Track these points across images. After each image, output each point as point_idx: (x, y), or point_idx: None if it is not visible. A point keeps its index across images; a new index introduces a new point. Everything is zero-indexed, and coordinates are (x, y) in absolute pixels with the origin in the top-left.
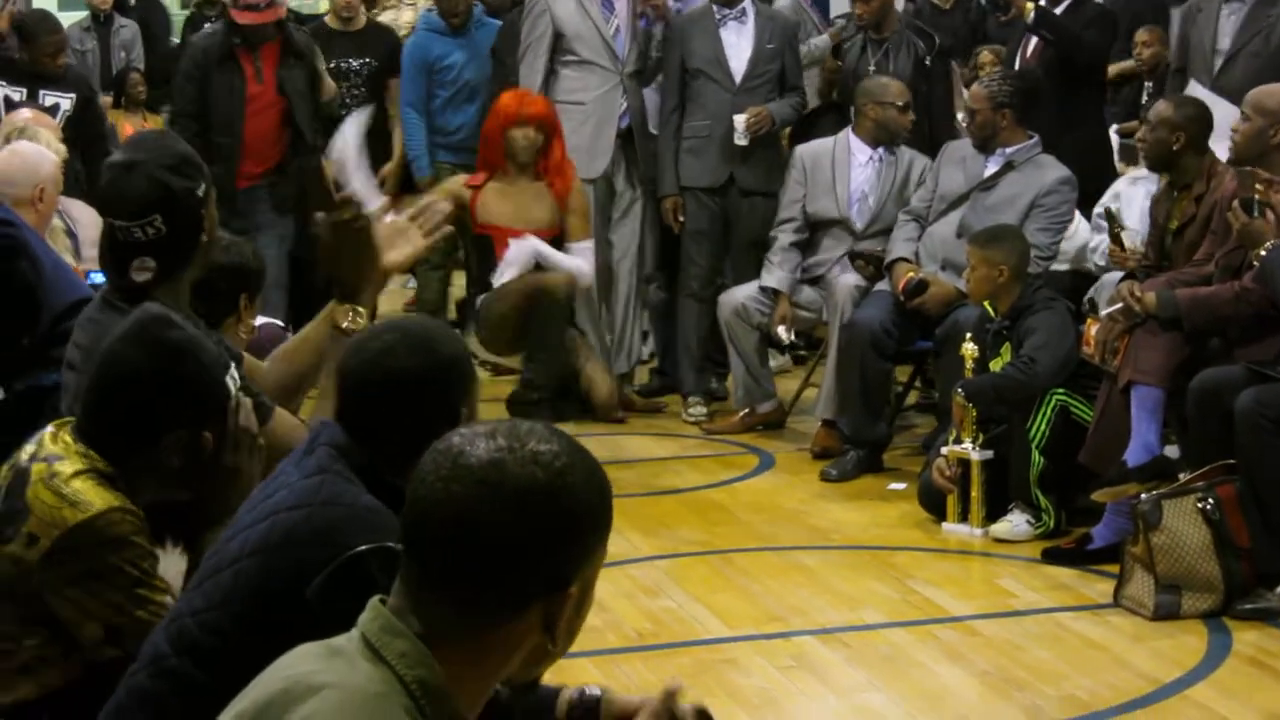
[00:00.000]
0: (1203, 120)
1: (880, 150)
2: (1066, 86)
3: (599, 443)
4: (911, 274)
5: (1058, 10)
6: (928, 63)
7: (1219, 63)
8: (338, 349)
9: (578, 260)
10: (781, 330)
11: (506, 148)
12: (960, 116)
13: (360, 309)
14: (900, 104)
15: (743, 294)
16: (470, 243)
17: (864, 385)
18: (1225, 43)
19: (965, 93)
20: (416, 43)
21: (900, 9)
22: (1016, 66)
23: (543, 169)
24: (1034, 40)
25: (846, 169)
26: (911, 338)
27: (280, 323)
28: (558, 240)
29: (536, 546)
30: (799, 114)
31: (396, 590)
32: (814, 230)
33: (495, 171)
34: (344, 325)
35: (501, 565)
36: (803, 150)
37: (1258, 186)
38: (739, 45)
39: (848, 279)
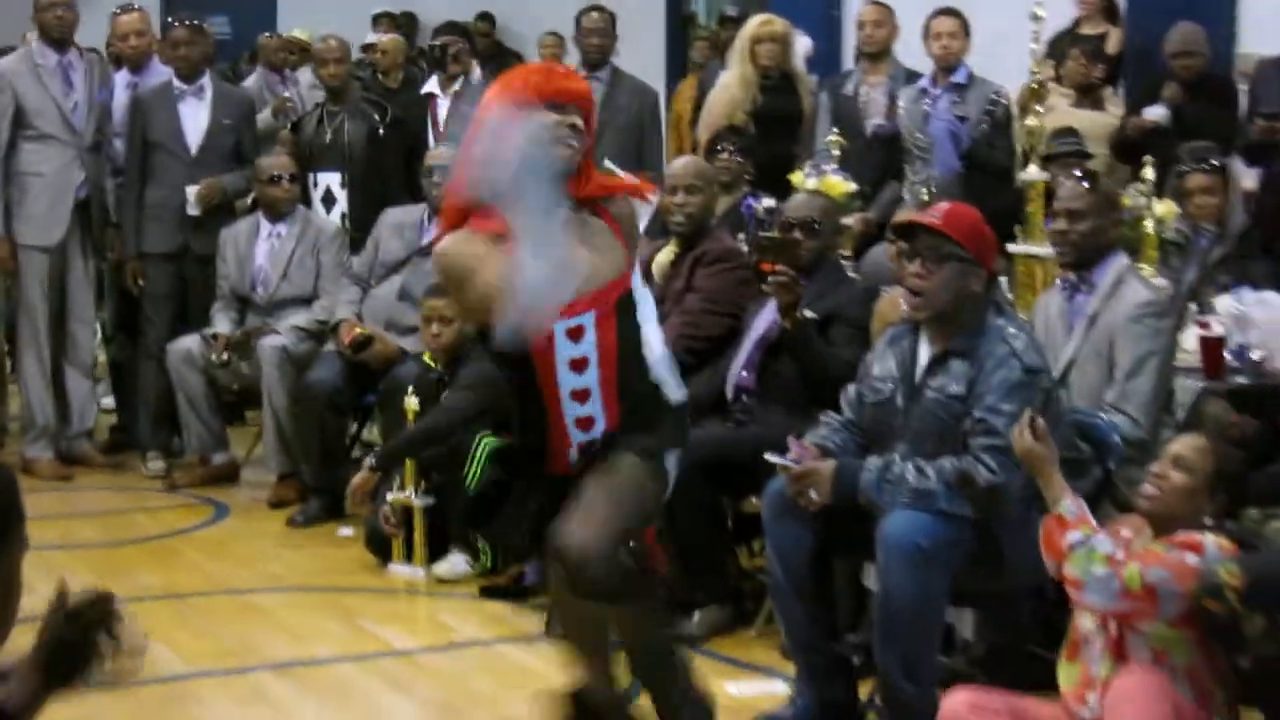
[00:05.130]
0: None
1: (280, 225)
2: None
3: (60, 497)
4: (358, 330)
5: None
6: (381, 132)
7: None
8: None
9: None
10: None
11: None
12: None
13: None
14: (269, 177)
15: (189, 342)
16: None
17: (324, 439)
18: None
19: None
20: None
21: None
22: None
23: (582, 186)
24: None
25: (250, 247)
26: (357, 393)
27: None
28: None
29: None
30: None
31: None
32: (241, 301)
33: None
34: None
35: None
36: (226, 232)
37: None
38: (196, 120)
39: (270, 342)
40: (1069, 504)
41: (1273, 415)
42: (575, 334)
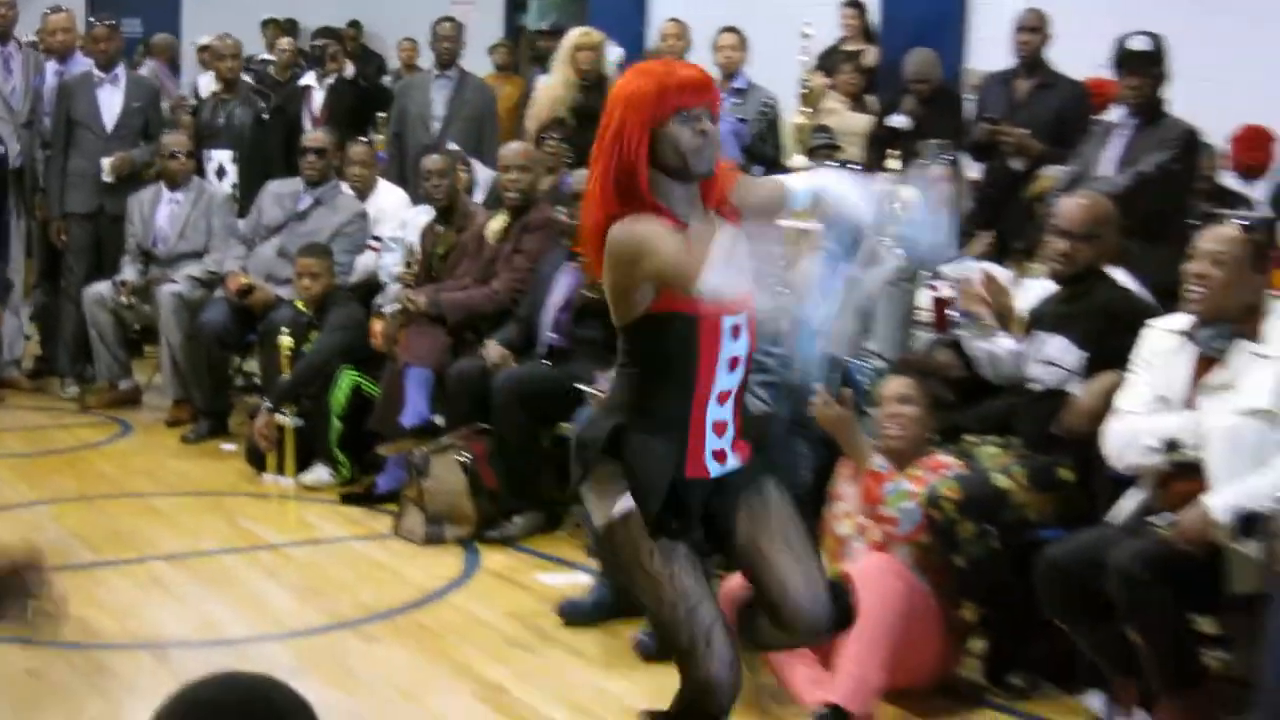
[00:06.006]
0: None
1: (179, 193)
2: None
3: None
4: (242, 280)
5: None
6: (265, 117)
7: (436, 126)
8: None
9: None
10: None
11: (665, 154)
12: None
13: None
14: (170, 153)
15: (102, 287)
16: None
17: (212, 370)
18: (439, 110)
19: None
20: None
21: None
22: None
23: (714, 188)
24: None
25: (153, 210)
26: (241, 332)
27: None
28: None
29: None
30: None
31: None
32: (145, 254)
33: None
34: None
35: None
36: (133, 197)
37: None
38: (111, 103)
39: (168, 288)
40: (879, 460)
41: None
42: (736, 332)
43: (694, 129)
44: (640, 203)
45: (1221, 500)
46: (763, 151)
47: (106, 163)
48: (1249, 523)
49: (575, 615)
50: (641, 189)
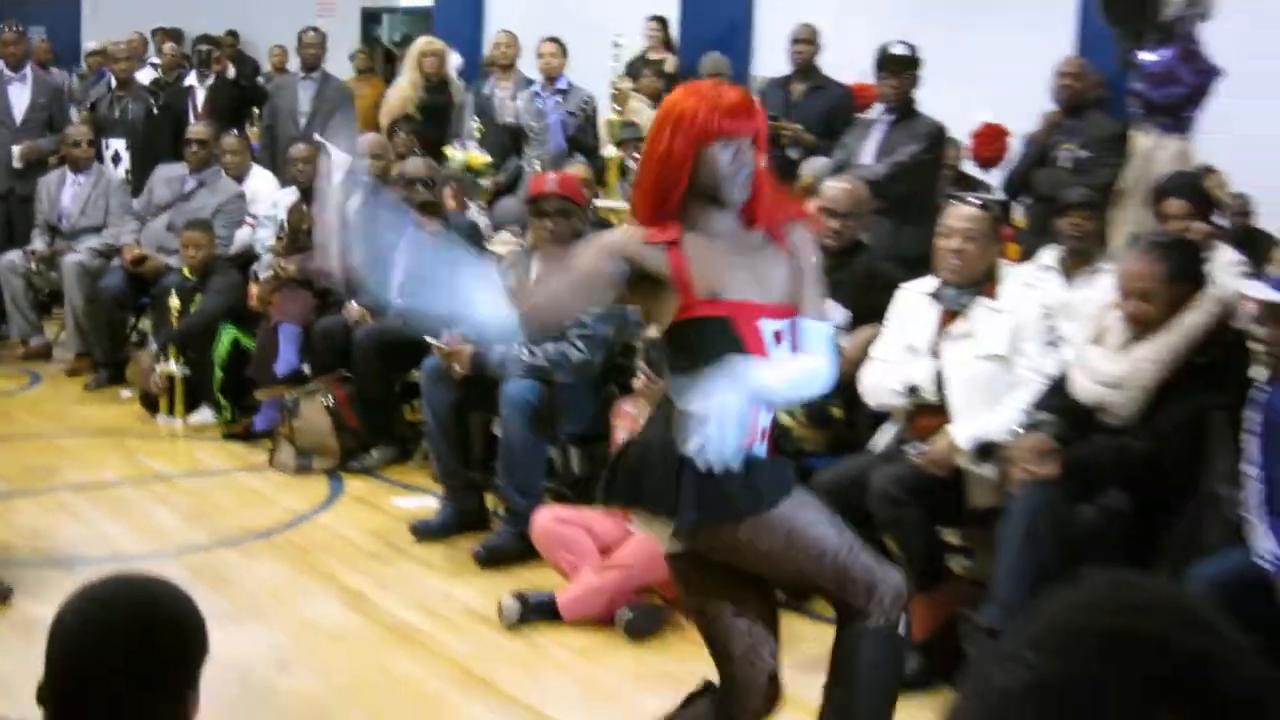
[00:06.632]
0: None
1: (80, 176)
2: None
3: None
4: (136, 251)
5: None
6: (155, 112)
7: (303, 120)
8: None
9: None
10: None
11: (704, 178)
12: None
13: None
14: (73, 141)
15: (14, 256)
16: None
17: (110, 328)
18: (305, 106)
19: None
20: None
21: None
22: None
23: (752, 210)
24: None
25: (59, 190)
26: (136, 295)
27: None
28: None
29: None
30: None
31: None
32: (51, 229)
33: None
34: None
35: None
36: (41, 180)
37: None
38: (20, 99)
39: (71, 258)
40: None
41: None
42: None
43: (734, 156)
44: (669, 217)
45: (963, 431)
46: (584, 142)
47: (16, 151)
48: (986, 450)
49: (425, 532)
50: (672, 205)
